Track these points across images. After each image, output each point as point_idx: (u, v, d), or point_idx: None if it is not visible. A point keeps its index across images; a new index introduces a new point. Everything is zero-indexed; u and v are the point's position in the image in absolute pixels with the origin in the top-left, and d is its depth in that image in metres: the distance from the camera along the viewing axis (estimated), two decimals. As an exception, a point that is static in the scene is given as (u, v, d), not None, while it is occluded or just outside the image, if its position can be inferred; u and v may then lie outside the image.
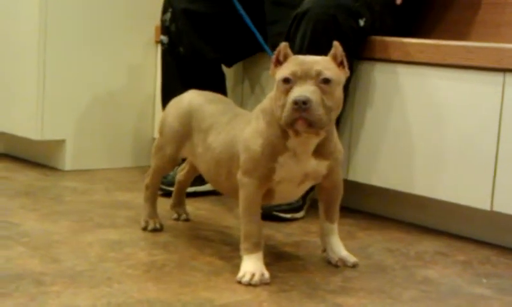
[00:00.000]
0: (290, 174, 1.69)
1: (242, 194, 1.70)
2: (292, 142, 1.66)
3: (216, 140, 1.81)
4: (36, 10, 2.75)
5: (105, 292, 1.53)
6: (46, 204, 2.28)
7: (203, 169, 1.88)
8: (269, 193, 1.72)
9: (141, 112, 3.03)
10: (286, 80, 1.60)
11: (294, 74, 1.59)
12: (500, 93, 2.02)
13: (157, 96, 2.97)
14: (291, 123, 1.58)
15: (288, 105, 1.57)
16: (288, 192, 1.75)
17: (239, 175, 1.70)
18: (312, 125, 1.57)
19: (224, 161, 1.77)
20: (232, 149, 1.75)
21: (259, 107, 1.74)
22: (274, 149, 1.66)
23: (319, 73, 1.60)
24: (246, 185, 1.69)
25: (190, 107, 1.92)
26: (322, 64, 1.62)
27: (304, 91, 1.57)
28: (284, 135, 1.65)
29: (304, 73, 1.59)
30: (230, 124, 1.80)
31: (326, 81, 1.60)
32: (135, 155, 3.02)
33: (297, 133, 1.63)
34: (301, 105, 1.55)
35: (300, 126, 1.57)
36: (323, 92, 1.59)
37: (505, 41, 2.33)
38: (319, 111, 1.56)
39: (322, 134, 1.65)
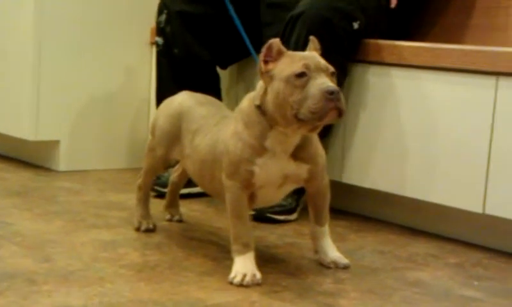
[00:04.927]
0: (269, 176, 1.68)
1: (227, 197, 1.70)
2: (271, 142, 1.66)
3: (202, 142, 1.81)
4: (31, 11, 2.75)
5: (97, 292, 1.53)
6: (39, 204, 2.28)
7: (190, 170, 1.88)
8: (250, 197, 1.72)
9: (136, 114, 3.03)
10: (301, 75, 1.58)
11: (307, 67, 1.58)
12: (493, 96, 2.02)
13: (152, 98, 2.97)
14: (323, 115, 1.55)
15: (319, 97, 1.54)
16: (269, 195, 1.75)
17: (223, 178, 1.71)
18: (341, 114, 1.57)
19: (208, 163, 1.78)
20: (216, 151, 1.75)
21: (237, 108, 1.74)
22: (253, 151, 1.66)
23: (327, 66, 1.61)
24: (230, 188, 1.69)
25: (180, 108, 1.92)
26: (321, 58, 1.64)
27: (328, 81, 1.57)
28: (262, 135, 1.65)
29: (316, 66, 1.59)
30: (217, 126, 1.80)
31: (333, 74, 1.62)
32: (129, 157, 3.02)
33: (315, 129, 1.63)
34: (336, 95, 1.55)
35: (331, 116, 1.56)
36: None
37: (499, 44, 2.34)
38: (343, 101, 1.57)
39: (318, 130, 1.66)
